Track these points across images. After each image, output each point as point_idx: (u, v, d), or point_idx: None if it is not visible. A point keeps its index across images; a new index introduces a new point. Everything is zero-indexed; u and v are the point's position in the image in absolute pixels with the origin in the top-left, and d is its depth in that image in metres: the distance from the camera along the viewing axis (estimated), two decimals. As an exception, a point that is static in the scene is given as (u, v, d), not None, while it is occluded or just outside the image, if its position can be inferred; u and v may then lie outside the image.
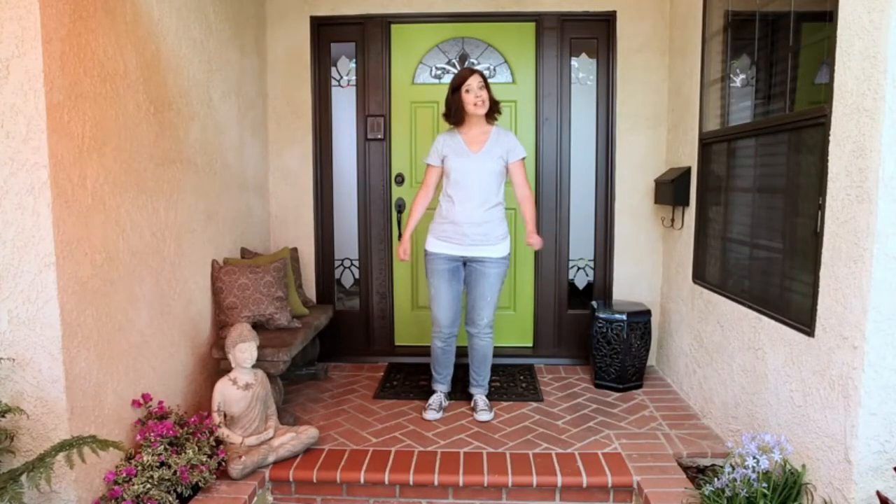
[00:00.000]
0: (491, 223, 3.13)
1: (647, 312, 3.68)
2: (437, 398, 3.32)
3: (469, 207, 3.10)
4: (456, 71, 4.11)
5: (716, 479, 2.28)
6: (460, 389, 3.60)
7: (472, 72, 3.10)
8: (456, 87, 3.11)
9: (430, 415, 3.21)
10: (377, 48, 4.06)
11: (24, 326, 2.05)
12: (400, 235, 4.15)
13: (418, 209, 3.27)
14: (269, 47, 4.08)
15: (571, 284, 4.25)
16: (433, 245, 3.21)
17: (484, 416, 3.21)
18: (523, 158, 3.20)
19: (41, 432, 2.08)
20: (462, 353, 3.43)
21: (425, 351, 4.17)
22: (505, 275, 3.25)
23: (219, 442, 2.61)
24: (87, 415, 2.18)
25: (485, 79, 3.11)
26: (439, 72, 4.15)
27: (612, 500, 2.61)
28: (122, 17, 2.41)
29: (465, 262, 3.22)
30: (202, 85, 3.13)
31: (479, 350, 3.30)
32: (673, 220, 3.73)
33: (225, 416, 2.69)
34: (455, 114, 3.13)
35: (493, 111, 3.17)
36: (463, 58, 4.13)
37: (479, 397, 3.32)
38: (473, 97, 3.07)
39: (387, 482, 2.63)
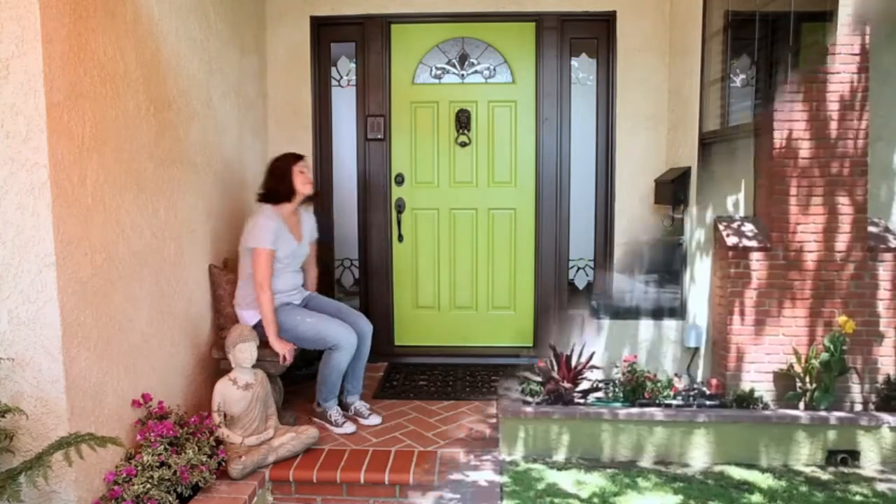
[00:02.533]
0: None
1: (647, 312, 3.67)
2: (340, 410, 3.14)
3: (288, 274, 3.12)
4: (456, 71, 4.13)
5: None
6: (461, 388, 3.60)
7: (301, 156, 3.14)
8: (288, 165, 3.08)
9: (351, 427, 3.06)
10: (377, 48, 4.06)
11: (24, 326, 2.05)
12: (400, 236, 4.17)
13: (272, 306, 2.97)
14: (269, 47, 4.08)
15: (571, 284, 4.25)
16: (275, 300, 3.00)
17: (375, 419, 3.17)
18: None
19: (41, 432, 2.08)
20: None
21: (425, 351, 4.20)
22: None
23: (219, 442, 2.61)
24: (86, 415, 2.18)
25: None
26: (439, 72, 4.15)
27: (612, 500, 2.61)
28: (122, 17, 2.41)
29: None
30: (202, 85, 3.13)
31: (366, 355, 3.22)
32: (673, 219, 3.72)
33: (225, 416, 2.69)
34: (287, 191, 3.05)
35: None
36: (463, 58, 4.13)
37: (362, 403, 3.24)
38: (305, 178, 3.09)
39: (387, 482, 2.63)
